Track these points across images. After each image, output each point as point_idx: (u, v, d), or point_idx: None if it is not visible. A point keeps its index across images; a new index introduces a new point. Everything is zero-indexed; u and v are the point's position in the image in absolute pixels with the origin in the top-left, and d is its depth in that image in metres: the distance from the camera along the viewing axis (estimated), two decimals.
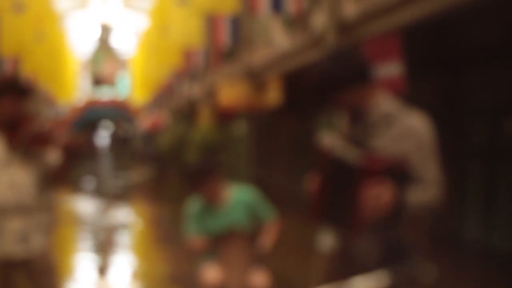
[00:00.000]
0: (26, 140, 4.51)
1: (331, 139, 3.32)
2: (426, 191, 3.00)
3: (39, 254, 4.62)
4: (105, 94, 56.61)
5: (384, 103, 3.19)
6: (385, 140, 3.09)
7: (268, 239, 5.19)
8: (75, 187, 21.46)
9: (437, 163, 3.07)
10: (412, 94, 6.85)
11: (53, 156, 4.64)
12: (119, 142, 57.58)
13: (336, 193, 3.15)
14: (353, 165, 3.00)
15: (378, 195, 2.88)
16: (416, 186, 2.99)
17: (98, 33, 59.40)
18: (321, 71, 3.20)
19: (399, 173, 2.96)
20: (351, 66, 3.14)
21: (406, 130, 3.06)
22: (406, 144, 3.03)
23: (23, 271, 4.66)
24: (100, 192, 21.51)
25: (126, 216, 15.77)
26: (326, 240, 3.48)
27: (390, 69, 7.70)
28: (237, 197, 5.18)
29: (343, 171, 3.08)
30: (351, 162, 3.01)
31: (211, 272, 5.05)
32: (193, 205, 5.21)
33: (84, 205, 17.55)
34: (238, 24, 16.26)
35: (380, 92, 3.25)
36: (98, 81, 59.51)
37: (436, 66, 9.23)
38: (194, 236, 5.17)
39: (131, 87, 58.50)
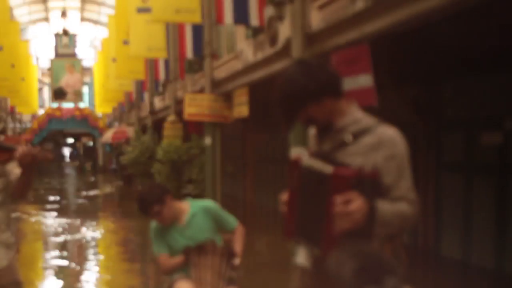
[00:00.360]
0: None
1: (301, 152, 3.26)
2: (399, 203, 2.96)
3: (3, 269, 4.53)
4: (67, 106, 56.09)
5: (354, 116, 3.15)
6: (356, 153, 3.04)
7: (239, 245, 5.30)
8: (40, 202, 21.19)
9: (409, 175, 3.03)
10: (384, 106, 6.78)
11: (15, 170, 4.54)
12: (82, 154, 57.23)
13: (307, 208, 3.10)
14: (323, 177, 2.94)
15: (346, 202, 2.81)
16: (388, 198, 2.95)
17: (58, 44, 58.99)
18: (287, 84, 3.12)
19: (370, 184, 2.91)
20: (320, 78, 3.08)
21: (377, 142, 3.02)
22: (377, 157, 2.99)
23: None
24: (65, 208, 21.24)
25: (93, 233, 15.56)
26: (301, 257, 3.40)
27: (360, 80, 7.63)
28: (196, 208, 5.30)
29: (313, 185, 3.04)
30: (321, 174, 2.95)
31: (183, 285, 5.02)
32: (153, 225, 5.29)
33: (49, 221, 17.28)
34: (201, 35, 16.15)
35: (350, 104, 3.20)
36: (59, 92, 58.98)
37: (408, 78, 9.17)
38: (161, 254, 5.24)
39: (93, 98, 58.09)
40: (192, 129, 17.95)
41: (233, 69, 13.90)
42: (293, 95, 3.09)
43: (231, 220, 5.38)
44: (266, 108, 12.66)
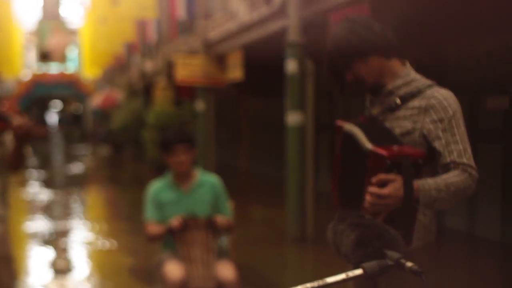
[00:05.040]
0: None
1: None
2: (447, 174, 2.91)
3: None
4: (54, 69, 55.97)
5: (405, 79, 3.15)
6: (404, 117, 3.06)
7: (221, 218, 5.22)
8: (25, 173, 21.09)
9: (464, 139, 2.98)
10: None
11: (7, 139, 4.47)
12: (69, 120, 57.08)
13: (347, 176, 3.14)
14: (362, 151, 2.93)
15: (381, 184, 2.78)
16: (439, 165, 2.95)
17: (44, 3, 58.72)
18: (332, 40, 3.17)
19: (412, 163, 2.83)
20: (365, 35, 3.09)
21: (425, 105, 3.02)
22: (426, 120, 3.00)
23: None
24: (51, 178, 21.15)
25: (80, 205, 15.52)
26: None
27: None
28: (204, 179, 5.33)
29: (352, 152, 3.05)
30: (361, 147, 2.94)
31: (174, 268, 5.03)
32: (153, 188, 5.31)
33: (35, 193, 17.17)
34: None
35: (403, 66, 3.20)
36: (45, 54, 58.84)
37: (410, 40, 8.99)
38: (150, 220, 5.23)
39: (80, 61, 57.96)
40: (183, 94, 17.84)
41: (227, 30, 13.74)
42: (337, 51, 3.12)
43: (227, 209, 5.36)
44: (261, 71, 12.53)
